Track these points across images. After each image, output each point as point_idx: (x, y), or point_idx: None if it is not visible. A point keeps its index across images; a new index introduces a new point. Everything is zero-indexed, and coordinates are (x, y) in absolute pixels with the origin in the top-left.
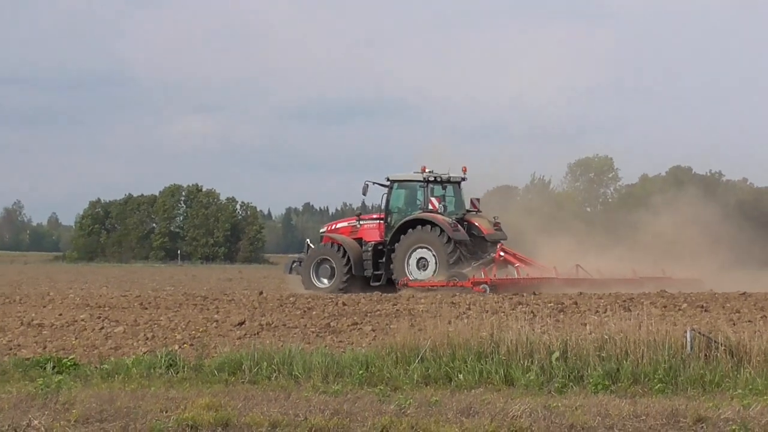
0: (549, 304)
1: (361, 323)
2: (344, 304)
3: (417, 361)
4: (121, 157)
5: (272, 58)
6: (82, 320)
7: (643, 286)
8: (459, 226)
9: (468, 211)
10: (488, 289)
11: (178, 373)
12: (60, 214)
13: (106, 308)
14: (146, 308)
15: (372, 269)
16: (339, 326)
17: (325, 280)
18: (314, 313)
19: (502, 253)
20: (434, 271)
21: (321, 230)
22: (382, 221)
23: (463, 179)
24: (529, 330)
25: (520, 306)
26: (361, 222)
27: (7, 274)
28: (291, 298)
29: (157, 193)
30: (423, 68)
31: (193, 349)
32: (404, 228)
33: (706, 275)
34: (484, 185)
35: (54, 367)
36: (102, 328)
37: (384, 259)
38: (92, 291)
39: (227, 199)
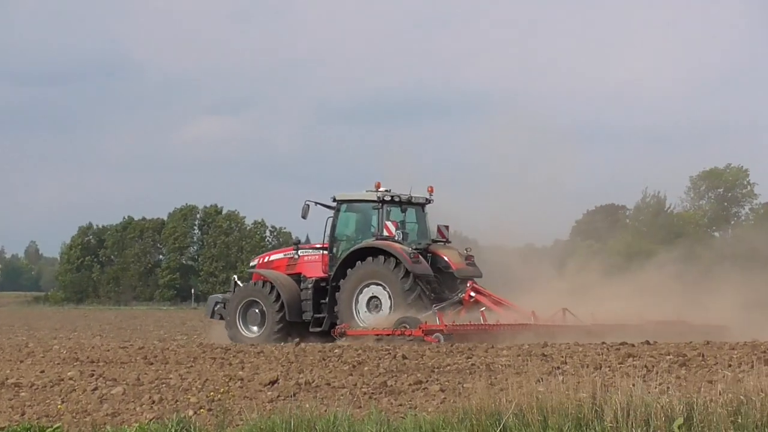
0: (667, 357)
1: (427, 381)
2: (405, 357)
3: (498, 430)
4: (119, 170)
5: (309, 44)
6: (71, 379)
7: (646, 333)
8: (420, 257)
9: (434, 241)
10: (442, 338)
11: None
12: (41, 244)
13: (101, 363)
14: (152, 363)
15: (312, 311)
16: (398, 385)
17: (255, 328)
18: (366, 368)
19: (473, 293)
20: (389, 313)
21: (251, 264)
22: (325, 251)
23: (428, 201)
24: (643, 390)
25: (631, 359)
26: (300, 253)
27: None
28: (336, 350)
29: (165, 217)
30: (501, 55)
31: (212, 415)
32: (352, 260)
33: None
34: (584, 203)
35: None
36: (96, 388)
37: (327, 299)
38: (83, 341)
39: (254, 223)
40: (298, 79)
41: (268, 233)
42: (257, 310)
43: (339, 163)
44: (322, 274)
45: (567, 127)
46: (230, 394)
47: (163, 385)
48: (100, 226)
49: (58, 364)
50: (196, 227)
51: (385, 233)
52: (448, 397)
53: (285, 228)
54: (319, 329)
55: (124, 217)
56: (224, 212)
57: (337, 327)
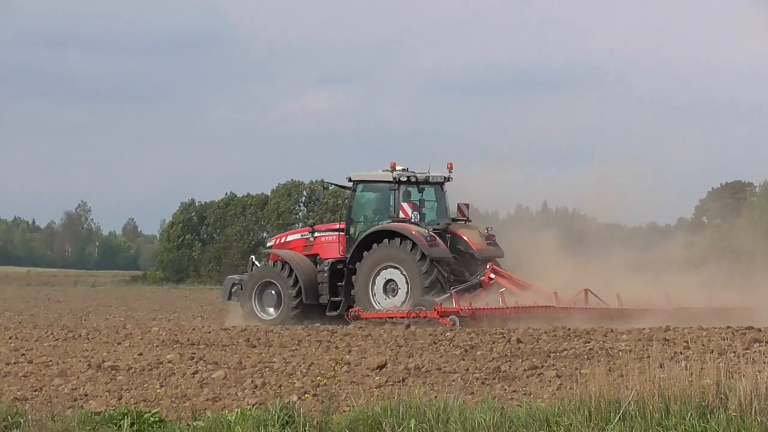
0: None
1: (542, 367)
2: (519, 341)
3: (617, 419)
4: (221, 144)
5: (422, 12)
6: (170, 362)
7: (676, 318)
8: (438, 239)
9: (454, 220)
10: (458, 321)
11: None
12: (139, 221)
13: (202, 346)
14: (254, 346)
15: (329, 294)
16: (512, 371)
17: (271, 310)
18: (479, 353)
19: (492, 275)
20: (406, 297)
21: (268, 244)
22: (342, 232)
23: (448, 179)
24: None
25: (757, 344)
26: (316, 234)
27: (71, 300)
28: (447, 334)
29: (269, 192)
30: (625, 24)
31: (318, 400)
32: (368, 242)
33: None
34: (708, 180)
35: (132, 424)
36: (196, 372)
37: (344, 282)
38: (183, 323)
39: None
40: (407, 51)
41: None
42: (273, 292)
43: (446, 136)
44: (338, 256)
45: (691, 102)
46: (336, 378)
47: (266, 369)
48: (202, 203)
49: (157, 346)
50: (301, 204)
51: (402, 215)
52: (565, 383)
53: None
54: (335, 313)
55: (226, 193)
56: (331, 188)
57: (351, 310)
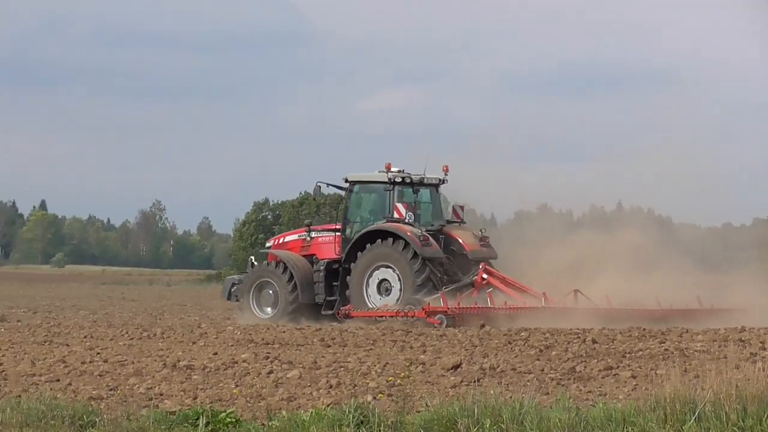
0: None
1: (617, 367)
2: (594, 341)
3: (693, 420)
4: (296, 143)
5: (496, 11)
6: (245, 361)
7: (666, 321)
8: (431, 239)
9: (449, 221)
10: (445, 320)
11: None
12: (213, 219)
13: (276, 345)
14: (329, 345)
15: (324, 294)
16: (587, 371)
17: (269, 309)
18: (554, 353)
19: (485, 275)
20: (399, 296)
21: (267, 245)
22: (339, 233)
23: (443, 181)
24: None
25: None
26: (313, 234)
27: (146, 299)
28: (522, 334)
29: (342, 192)
30: (703, 23)
31: (392, 400)
32: (362, 242)
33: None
34: None
35: (207, 424)
36: (271, 372)
37: (339, 281)
38: (257, 323)
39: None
40: (483, 49)
41: (450, 209)
42: (270, 291)
43: (522, 135)
44: (335, 256)
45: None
46: (411, 378)
47: (341, 369)
48: (277, 202)
49: (232, 345)
50: None
51: (396, 215)
52: (640, 384)
53: (468, 204)
54: (330, 312)
55: (300, 193)
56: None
57: (341, 308)
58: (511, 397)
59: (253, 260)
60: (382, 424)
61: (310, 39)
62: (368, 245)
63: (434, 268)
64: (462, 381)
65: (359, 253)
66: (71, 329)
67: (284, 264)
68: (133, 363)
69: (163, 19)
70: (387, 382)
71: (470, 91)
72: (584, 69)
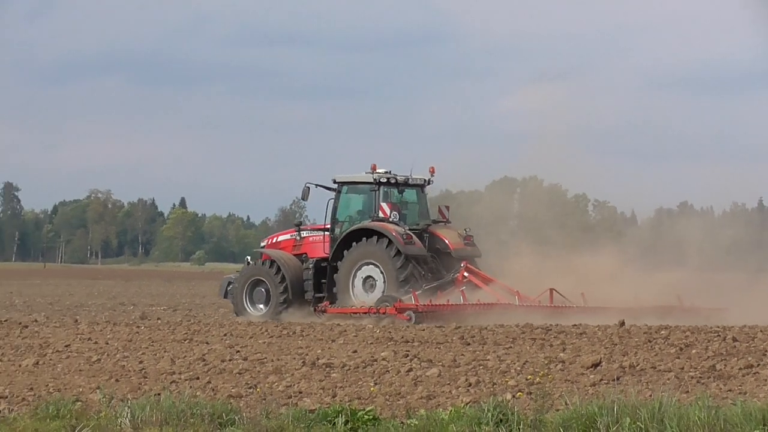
0: None
1: (758, 366)
2: (735, 339)
3: None
4: (434, 140)
5: (639, 8)
6: (384, 359)
7: (641, 317)
8: (414, 237)
9: (434, 221)
10: (414, 316)
11: (511, 431)
12: None
13: (416, 344)
14: (469, 344)
15: (313, 291)
16: (727, 370)
17: (261, 306)
18: (694, 351)
19: (466, 273)
20: (383, 293)
21: (261, 244)
22: (328, 233)
23: (428, 182)
24: None
25: None
26: (303, 234)
27: None
28: (662, 332)
29: (482, 189)
30: None
31: (531, 399)
32: (348, 241)
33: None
34: None
35: (347, 422)
36: (410, 370)
37: (327, 279)
38: (396, 321)
39: (576, 195)
40: (623, 47)
41: (590, 206)
42: (263, 289)
43: (669, 133)
44: (324, 255)
45: None
46: (550, 377)
47: (481, 367)
48: None
49: (371, 343)
50: (515, 199)
51: (381, 215)
52: None
53: (609, 202)
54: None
55: (441, 190)
56: (546, 184)
57: (318, 305)
58: (650, 396)
59: (248, 259)
60: (522, 423)
61: (449, 37)
62: (354, 244)
63: (417, 265)
64: (601, 379)
65: (345, 252)
66: (211, 327)
67: (275, 263)
68: (272, 361)
69: (304, 18)
70: (526, 380)
71: (610, 90)
72: (725, 68)
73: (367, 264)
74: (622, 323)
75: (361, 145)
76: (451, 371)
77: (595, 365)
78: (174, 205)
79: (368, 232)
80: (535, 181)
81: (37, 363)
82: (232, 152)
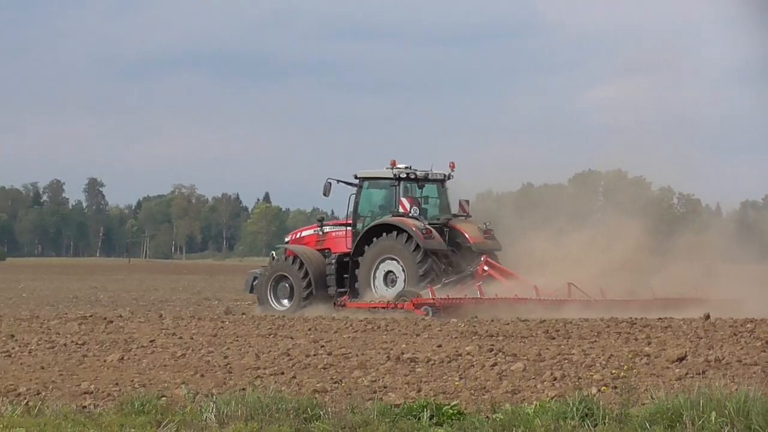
0: None
1: None
2: None
3: None
4: (523, 134)
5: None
6: (469, 354)
7: (650, 311)
8: (434, 232)
9: (455, 215)
10: (431, 311)
11: (596, 425)
12: None
13: (500, 338)
14: (553, 338)
15: (336, 286)
16: None
17: (285, 301)
18: None
19: (486, 267)
20: (403, 288)
21: (285, 239)
22: (350, 228)
23: (448, 177)
24: None
25: None
26: (326, 229)
27: None
28: (748, 325)
29: (565, 182)
30: None
31: (617, 393)
32: (369, 236)
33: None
34: None
35: (431, 417)
36: (495, 364)
37: (349, 274)
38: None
39: (661, 188)
40: (715, 40)
41: (675, 199)
42: (287, 284)
43: (751, 126)
44: (346, 250)
45: None
46: (635, 370)
47: (566, 361)
48: (499, 193)
49: (456, 338)
50: (600, 194)
51: (401, 210)
52: None
53: (693, 195)
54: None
55: (522, 184)
56: (629, 177)
57: (338, 299)
58: (736, 390)
59: (273, 254)
60: (607, 417)
61: (539, 30)
62: (375, 239)
63: (437, 260)
64: (687, 373)
65: (366, 247)
66: (295, 322)
67: (298, 258)
68: (357, 356)
69: (387, 12)
70: (611, 374)
71: (696, 82)
72: None
73: (388, 259)
74: (707, 316)
75: (444, 139)
76: (536, 365)
77: (681, 359)
78: (258, 199)
79: (388, 228)
80: (618, 174)
81: (122, 358)
82: (316, 147)
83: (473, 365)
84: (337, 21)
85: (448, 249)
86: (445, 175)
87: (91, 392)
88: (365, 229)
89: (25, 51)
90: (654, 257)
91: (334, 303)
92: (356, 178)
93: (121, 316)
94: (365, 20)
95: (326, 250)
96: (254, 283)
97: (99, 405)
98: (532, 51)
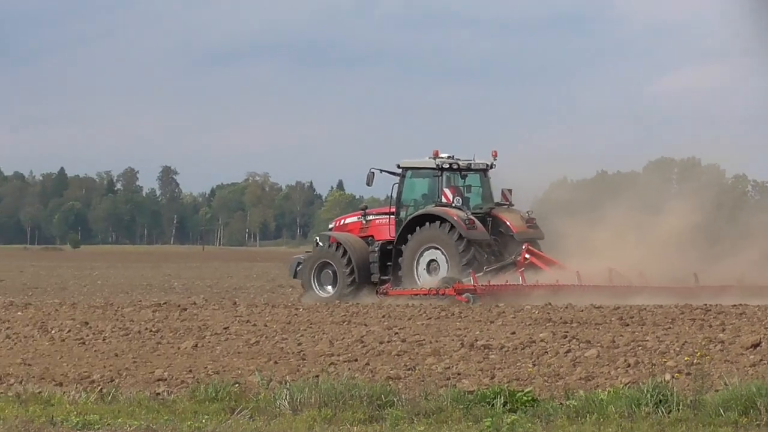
0: None
1: None
2: None
3: None
4: (591, 121)
5: None
6: (542, 341)
7: (699, 297)
8: (476, 222)
9: (498, 204)
10: (472, 298)
11: (670, 412)
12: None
13: (574, 324)
14: (627, 324)
15: (379, 274)
16: None
17: (329, 288)
18: None
19: (527, 255)
20: (446, 276)
21: (329, 226)
22: (393, 216)
23: (490, 166)
24: None
25: None
26: (369, 217)
27: None
28: None
29: (640, 170)
30: None
31: (691, 379)
32: (412, 225)
33: None
34: None
35: (505, 404)
36: (568, 351)
37: (392, 262)
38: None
39: (735, 176)
40: None
41: (750, 187)
42: (330, 271)
43: None
44: (390, 238)
45: None
46: (709, 357)
47: (639, 348)
48: (574, 181)
49: (530, 325)
50: (673, 181)
51: (443, 200)
52: None
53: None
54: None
55: (597, 171)
56: (703, 164)
57: (381, 287)
58: None
59: (318, 240)
60: (681, 404)
61: (609, 18)
62: (418, 228)
63: (480, 249)
64: (761, 360)
65: (410, 236)
66: (369, 309)
67: (342, 246)
68: (430, 342)
69: (463, 0)
70: (685, 361)
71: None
72: None
73: (431, 248)
74: None
75: (515, 126)
76: (609, 352)
77: (755, 345)
78: (332, 187)
79: (431, 217)
80: (692, 161)
81: (196, 345)
82: (390, 134)
83: (547, 352)
84: (414, 8)
85: (490, 238)
86: (487, 165)
87: (165, 379)
88: (408, 218)
89: (101, 40)
90: (724, 244)
91: (377, 291)
92: (399, 167)
93: (195, 304)
94: (442, 6)
95: (369, 238)
96: (298, 269)
97: (172, 392)
98: (606, 39)
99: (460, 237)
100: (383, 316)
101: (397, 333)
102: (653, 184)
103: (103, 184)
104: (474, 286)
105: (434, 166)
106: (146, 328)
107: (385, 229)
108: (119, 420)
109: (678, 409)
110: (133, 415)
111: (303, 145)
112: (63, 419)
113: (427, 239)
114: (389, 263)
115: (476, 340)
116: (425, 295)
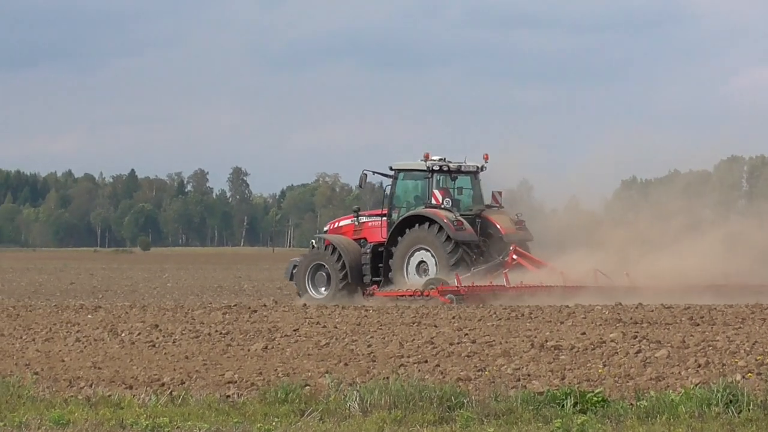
0: None
1: None
2: None
3: None
4: (667, 122)
5: None
6: (613, 341)
7: (686, 295)
8: (465, 223)
9: (488, 206)
10: (455, 299)
11: (740, 412)
12: (581, 198)
13: (644, 324)
14: (698, 324)
15: (371, 275)
16: None
17: (323, 289)
18: None
19: (515, 256)
20: (435, 277)
21: (324, 229)
22: (386, 218)
23: (481, 169)
24: None
25: None
26: (362, 219)
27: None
28: None
29: (710, 169)
30: None
31: (762, 379)
32: (402, 227)
33: None
34: None
35: (575, 404)
36: (639, 351)
37: (383, 264)
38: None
39: None
40: None
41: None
42: (324, 273)
43: None
44: (382, 240)
45: None
46: None
47: (710, 348)
48: (644, 180)
49: (600, 325)
50: (744, 180)
51: (433, 201)
52: None
53: None
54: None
55: (669, 170)
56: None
57: (367, 288)
58: None
59: (314, 243)
60: (752, 404)
61: (682, 18)
62: (407, 230)
63: (468, 250)
64: None
65: (400, 237)
66: (439, 310)
67: (335, 248)
68: (500, 343)
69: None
70: (756, 360)
71: None
72: None
73: (421, 249)
74: None
75: (590, 126)
76: (680, 352)
77: None
78: None
79: (421, 219)
80: (762, 159)
81: (266, 347)
82: (462, 136)
83: (617, 352)
84: (485, 9)
85: (479, 239)
86: (478, 167)
87: (235, 381)
88: (399, 219)
89: (173, 43)
90: None
91: (363, 292)
92: (391, 169)
93: (265, 306)
94: (515, 7)
95: (362, 240)
96: (294, 271)
97: (242, 394)
98: (678, 38)
99: (448, 238)
100: (453, 317)
101: (467, 334)
102: (724, 182)
103: (173, 186)
104: (457, 287)
105: (425, 168)
106: (216, 331)
107: (377, 231)
108: (189, 423)
109: (748, 409)
110: (203, 417)
111: (374, 145)
112: (133, 422)
113: (417, 240)
114: (381, 265)
115: (546, 341)
116: (410, 296)
